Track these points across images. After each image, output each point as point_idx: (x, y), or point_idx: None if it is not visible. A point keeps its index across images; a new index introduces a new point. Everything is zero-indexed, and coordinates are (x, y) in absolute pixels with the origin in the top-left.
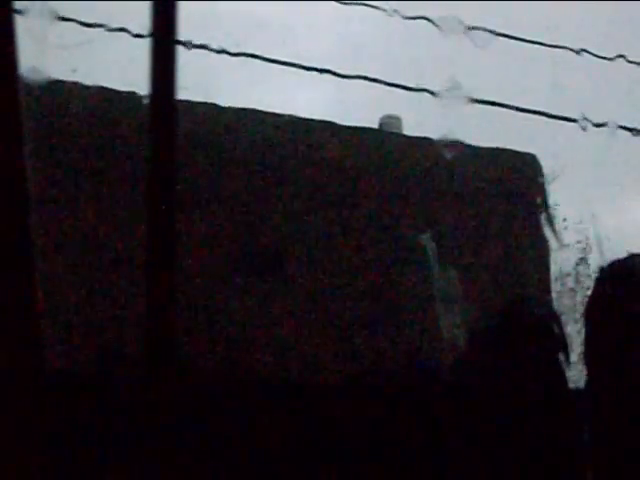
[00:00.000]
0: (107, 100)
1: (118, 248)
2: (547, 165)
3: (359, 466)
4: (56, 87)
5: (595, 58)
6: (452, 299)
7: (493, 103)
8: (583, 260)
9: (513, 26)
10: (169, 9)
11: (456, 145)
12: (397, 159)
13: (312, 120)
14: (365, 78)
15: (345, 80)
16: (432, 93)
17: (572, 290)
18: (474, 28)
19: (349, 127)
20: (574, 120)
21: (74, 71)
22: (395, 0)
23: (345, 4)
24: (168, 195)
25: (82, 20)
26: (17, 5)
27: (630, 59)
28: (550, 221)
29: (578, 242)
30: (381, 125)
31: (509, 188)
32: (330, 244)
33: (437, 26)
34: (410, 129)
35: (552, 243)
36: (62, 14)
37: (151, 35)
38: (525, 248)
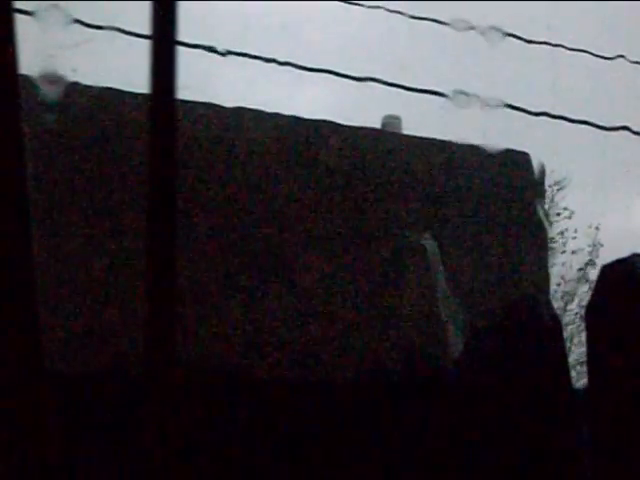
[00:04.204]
0: (107, 100)
1: (118, 248)
2: (554, 170)
3: (359, 464)
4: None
5: (595, 58)
6: (446, 298)
7: (495, 104)
8: (590, 263)
9: (513, 26)
10: (169, 9)
11: (450, 144)
12: (397, 159)
13: (313, 120)
14: (364, 79)
15: (346, 80)
16: (433, 93)
17: (578, 292)
18: (475, 29)
19: (350, 127)
20: (576, 121)
21: (74, 71)
22: (398, 0)
23: (348, 3)
24: (168, 195)
25: (82, 20)
26: (18, 5)
27: (630, 59)
28: (546, 215)
29: (587, 245)
30: (383, 125)
31: (508, 187)
32: (331, 244)
33: (441, 25)
34: (410, 129)
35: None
36: (62, 14)
37: (151, 35)
38: (524, 247)
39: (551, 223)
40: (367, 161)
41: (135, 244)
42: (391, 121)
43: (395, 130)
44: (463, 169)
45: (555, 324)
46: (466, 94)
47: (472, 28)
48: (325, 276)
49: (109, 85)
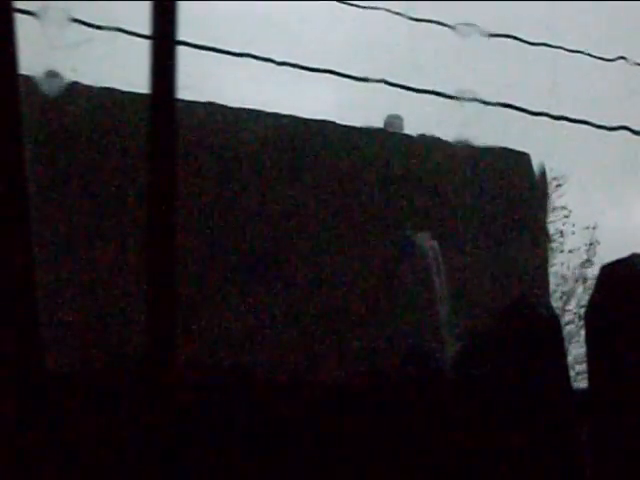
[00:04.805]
0: (107, 100)
1: (119, 248)
2: (553, 168)
3: (359, 465)
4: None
5: (595, 58)
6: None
7: (495, 104)
8: (588, 262)
9: (513, 26)
10: (169, 9)
11: (462, 144)
12: (398, 158)
13: (313, 120)
14: (366, 79)
15: (348, 80)
16: (434, 93)
17: (577, 292)
18: (476, 29)
19: (350, 127)
20: (576, 121)
21: (74, 71)
22: (399, 0)
23: (350, 5)
24: (168, 195)
25: (82, 20)
26: (18, 5)
27: (630, 59)
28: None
29: (585, 245)
30: (386, 125)
31: (508, 187)
32: (330, 244)
33: (441, 26)
34: (412, 129)
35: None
36: (62, 14)
37: (151, 35)
38: (524, 247)
39: (551, 241)
40: (367, 161)
41: (135, 244)
42: (393, 121)
43: (397, 130)
44: (463, 169)
45: (554, 324)
46: (467, 94)
47: (472, 28)
48: (324, 276)
49: (109, 85)
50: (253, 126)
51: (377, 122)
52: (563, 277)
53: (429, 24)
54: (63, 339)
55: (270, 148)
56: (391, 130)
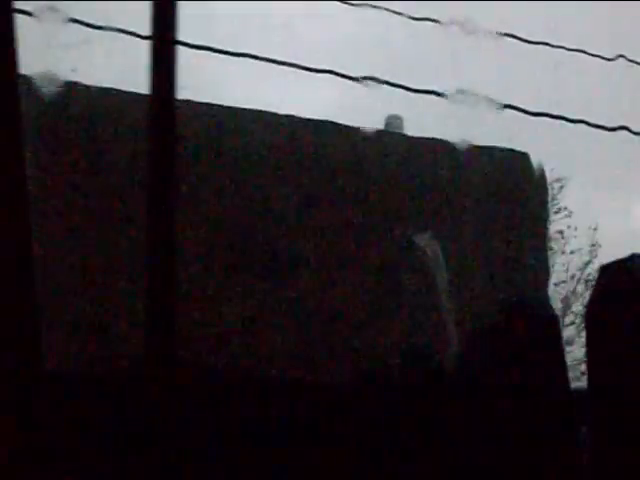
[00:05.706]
0: (107, 100)
1: (118, 248)
2: (554, 169)
3: (359, 465)
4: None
5: (595, 58)
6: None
7: (495, 104)
8: (590, 263)
9: (514, 26)
10: (169, 9)
11: (464, 145)
12: (398, 159)
13: (313, 120)
14: (367, 79)
15: (349, 81)
16: (435, 93)
17: (577, 292)
18: (476, 29)
19: (350, 127)
20: (576, 121)
21: (74, 71)
22: (399, 0)
23: (350, 4)
24: (168, 195)
25: (82, 20)
26: (18, 5)
27: (630, 59)
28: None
29: (587, 245)
30: (386, 125)
31: (508, 187)
32: (331, 244)
33: (442, 26)
34: (412, 129)
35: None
36: (62, 14)
37: (151, 35)
38: (524, 247)
39: (552, 242)
40: (368, 161)
41: (135, 244)
42: (393, 121)
43: (397, 130)
44: (463, 169)
45: (554, 325)
46: (467, 94)
47: (472, 28)
48: (323, 276)
49: (109, 85)
50: (253, 126)
51: (377, 122)
52: (565, 278)
53: (429, 24)
54: (63, 339)
55: (270, 148)
56: (391, 130)
